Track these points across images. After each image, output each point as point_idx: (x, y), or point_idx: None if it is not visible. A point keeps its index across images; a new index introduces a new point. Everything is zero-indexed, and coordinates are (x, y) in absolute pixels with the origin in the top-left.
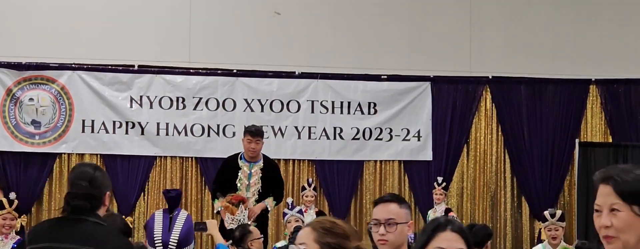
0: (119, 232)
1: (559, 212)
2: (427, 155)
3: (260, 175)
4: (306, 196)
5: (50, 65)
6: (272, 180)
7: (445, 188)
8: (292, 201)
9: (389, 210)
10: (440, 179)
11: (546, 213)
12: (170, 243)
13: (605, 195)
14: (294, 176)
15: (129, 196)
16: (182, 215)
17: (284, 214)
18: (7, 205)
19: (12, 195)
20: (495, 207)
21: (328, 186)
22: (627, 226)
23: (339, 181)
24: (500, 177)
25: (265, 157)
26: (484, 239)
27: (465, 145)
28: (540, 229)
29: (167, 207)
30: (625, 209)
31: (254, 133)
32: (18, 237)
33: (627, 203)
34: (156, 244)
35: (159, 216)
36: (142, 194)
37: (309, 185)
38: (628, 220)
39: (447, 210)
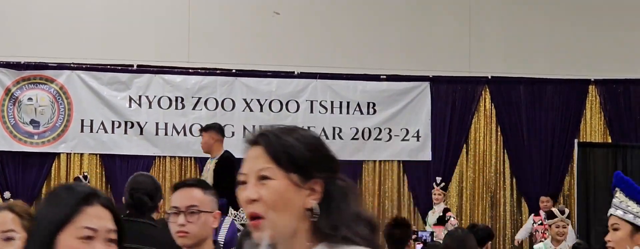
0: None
1: (567, 210)
2: (426, 155)
3: (213, 170)
4: None
5: (49, 64)
6: (222, 176)
7: (444, 188)
8: None
9: (191, 196)
10: (438, 179)
11: (555, 209)
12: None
13: (253, 159)
14: None
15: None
16: (227, 220)
17: None
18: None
19: (7, 194)
20: (494, 207)
21: None
22: (281, 200)
23: None
24: (499, 177)
25: (224, 153)
26: (484, 239)
27: (465, 145)
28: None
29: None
30: (279, 176)
31: (202, 127)
32: None
33: (282, 169)
34: None
35: None
36: None
37: None
38: (282, 192)
39: (446, 210)
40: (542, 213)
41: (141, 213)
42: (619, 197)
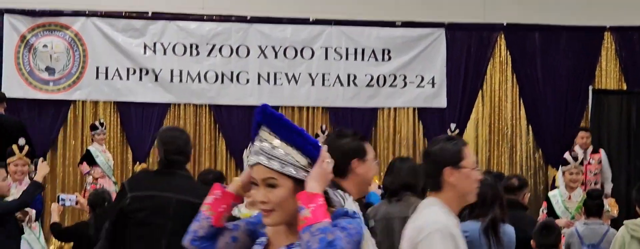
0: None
1: (581, 156)
2: (441, 102)
3: None
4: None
5: (64, 12)
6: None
7: (460, 135)
8: None
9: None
10: (453, 126)
11: (567, 156)
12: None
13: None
14: (307, 123)
15: (143, 144)
16: None
17: None
18: (17, 151)
19: (22, 141)
20: (511, 154)
21: None
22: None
23: (353, 128)
24: (515, 124)
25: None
26: (522, 187)
27: (480, 92)
28: (554, 176)
29: None
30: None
31: None
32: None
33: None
34: None
35: None
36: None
37: (323, 132)
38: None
39: None
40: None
41: (178, 167)
42: (268, 139)
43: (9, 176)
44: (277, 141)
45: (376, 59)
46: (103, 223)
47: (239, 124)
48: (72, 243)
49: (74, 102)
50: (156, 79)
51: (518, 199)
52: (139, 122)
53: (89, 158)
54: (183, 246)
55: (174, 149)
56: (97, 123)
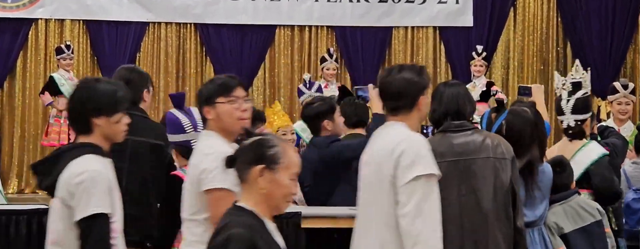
0: (162, 125)
1: (631, 84)
2: (467, 20)
3: None
4: (327, 70)
5: None
6: None
7: (487, 59)
8: (310, 78)
9: None
10: (480, 48)
11: (617, 84)
12: (198, 125)
13: None
14: (310, 45)
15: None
16: (194, 109)
17: (300, 93)
18: None
19: None
20: (546, 81)
21: (351, 58)
22: None
23: (363, 51)
24: (552, 45)
25: None
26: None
27: (512, 8)
28: (599, 106)
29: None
30: None
31: None
32: None
33: None
34: (186, 129)
35: (176, 112)
36: None
37: (330, 56)
38: None
39: (490, 83)
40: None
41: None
42: None
43: None
44: None
45: None
46: None
47: (229, 47)
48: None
49: (36, 20)
50: None
51: None
52: (112, 44)
53: (52, 87)
54: (141, 187)
55: None
56: (63, 46)
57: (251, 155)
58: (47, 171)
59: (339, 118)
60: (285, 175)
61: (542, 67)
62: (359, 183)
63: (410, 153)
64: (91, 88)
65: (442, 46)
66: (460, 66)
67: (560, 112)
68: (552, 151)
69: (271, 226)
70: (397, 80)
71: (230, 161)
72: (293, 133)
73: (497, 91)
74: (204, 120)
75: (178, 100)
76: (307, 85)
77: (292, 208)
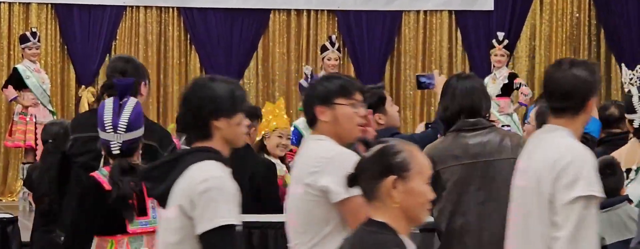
0: (158, 123)
1: None
2: (487, 3)
3: None
4: (328, 60)
5: None
6: None
7: (509, 48)
8: (311, 71)
9: None
10: (501, 35)
11: None
12: (119, 126)
13: None
14: (309, 32)
15: (90, 61)
16: (131, 102)
17: (302, 89)
18: None
19: None
20: None
21: (355, 46)
22: None
23: (369, 39)
24: (583, 31)
25: None
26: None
27: None
28: None
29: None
30: None
31: None
32: None
33: None
34: (106, 129)
35: (109, 103)
36: (108, 56)
37: (332, 45)
38: None
39: (512, 76)
40: None
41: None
42: None
43: None
44: None
45: None
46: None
47: (217, 34)
48: None
49: None
50: None
51: (622, 131)
52: (84, 31)
53: (17, 80)
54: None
55: (109, 83)
56: (28, 33)
57: (377, 167)
58: (161, 178)
59: (392, 108)
60: (419, 181)
61: (572, 57)
62: (512, 192)
63: (573, 168)
64: (207, 88)
65: (459, 33)
66: (479, 56)
67: (630, 109)
68: (619, 155)
69: (410, 246)
70: (568, 77)
71: (353, 179)
72: (289, 138)
73: (520, 84)
74: (313, 121)
75: (123, 88)
76: (310, 79)
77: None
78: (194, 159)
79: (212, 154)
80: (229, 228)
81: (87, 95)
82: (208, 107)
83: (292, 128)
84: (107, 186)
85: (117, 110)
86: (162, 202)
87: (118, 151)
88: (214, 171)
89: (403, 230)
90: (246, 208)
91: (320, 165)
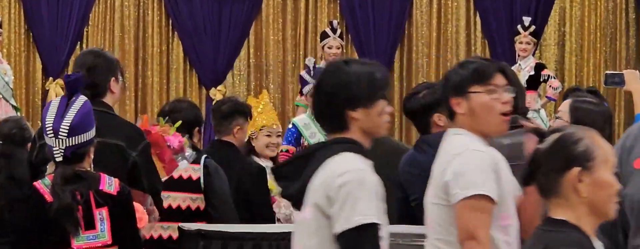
0: (128, 121)
1: None
2: None
3: None
4: (329, 48)
5: None
6: None
7: (535, 35)
8: (314, 62)
9: None
10: (527, 20)
11: None
12: (60, 131)
13: None
14: (307, 18)
15: (58, 51)
16: (79, 102)
17: (303, 82)
18: None
19: None
20: (613, 63)
21: (360, 33)
22: None
23: (375, 23)
24: (619, 16)
25: None
26: None
27: None
28: None
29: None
30: None
31: None
32: None
33: None
34: (47, 133)
35: (55, 102)
36: (79, 45)
37: (333, 31)
38: None
39: (539, 66)
40: None
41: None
42: None
43: None
44: None
45: None
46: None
47: (203, 19)
48: None
49: None
50: None
51: None
52: (52, 18)
53: None
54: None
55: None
56: None
57: (557, 159)
58: (295, 175)
59: None
60: (605, 170)
61: (607, 46)
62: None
63: None
64: (342, 73)
65: (478, 18)
66: (501, 44)
67: None
68: None
69: (598, 246)
70: None
71: (529, 176)
72: (279, 135)
73: (549, 76)
74: (452, 114)
75: (72, 85)
76: (312, 72)
77: None
78: (330, 152)
79: (351, 145)
80: (369, 228)
81: (56, 89)
82: (342, 95)
83: (290, 125)
84: (48, 197)
85: (62, 112)
86: (297, 202)
87: (60, 158)
88: (353, 164)
89: (590, 228)
90: (234, 218)
91: (448, 162)
